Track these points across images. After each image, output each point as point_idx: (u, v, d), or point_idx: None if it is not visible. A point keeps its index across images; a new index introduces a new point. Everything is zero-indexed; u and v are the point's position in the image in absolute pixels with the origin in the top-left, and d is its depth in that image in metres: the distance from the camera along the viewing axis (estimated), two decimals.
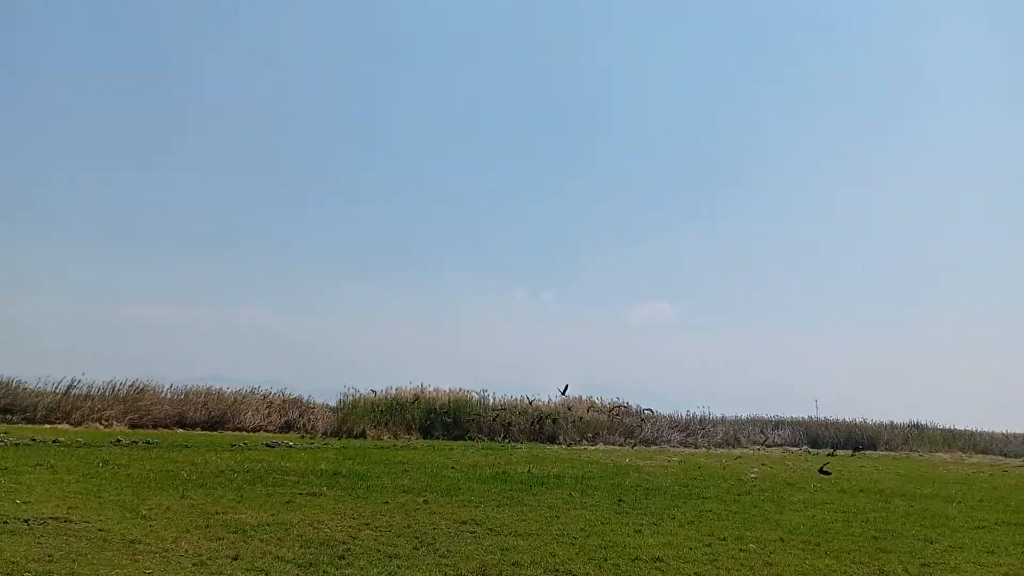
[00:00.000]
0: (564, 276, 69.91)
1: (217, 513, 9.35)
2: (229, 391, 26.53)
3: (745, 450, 29.60)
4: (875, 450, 32.95)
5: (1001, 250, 68.18)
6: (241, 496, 10.78)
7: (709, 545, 8.84)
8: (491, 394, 29.93)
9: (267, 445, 19.20)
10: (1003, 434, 39.04)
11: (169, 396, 25.47)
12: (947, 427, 37.65)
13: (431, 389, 29.04)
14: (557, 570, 7.23)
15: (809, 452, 30.24)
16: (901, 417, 37.70)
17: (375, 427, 25.82)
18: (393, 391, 28.52)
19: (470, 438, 26.74)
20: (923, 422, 37.58)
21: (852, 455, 29.68)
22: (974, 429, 38.46)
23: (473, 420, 27.93)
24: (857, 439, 34.10)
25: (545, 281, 71.09)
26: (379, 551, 7.74)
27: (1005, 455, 34.08)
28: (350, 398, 27.88)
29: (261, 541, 7.92)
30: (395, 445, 22.40)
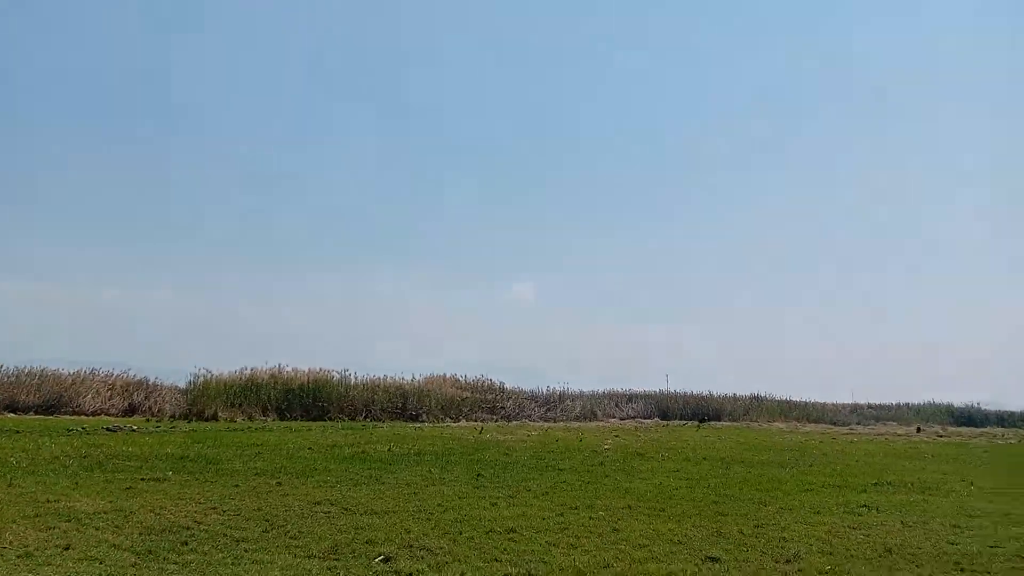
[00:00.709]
0: (436, 255, 69.79)
1: (48, 501, 8.72)
2: (67, 373, 24.77)
3: (601, 423, 30.71)
4: (719, 421, 35.01)
5: (833, 237, 73.93)
6: (76, 483, 10.11)
7: (561, 515, 9.11)
8: (353, 374, 29.49)
9: (108, 429, 18.09)
10: (832, 405, 42.56)
11: None
12: (784, 399, 40.58)
13: (289, 369, 28.25)
14: (411, 546, 7.23)
15: (661, 424, 31.76)
16: (743, 390, 40.33)
17: (228, 409, 24.86)
18: (248, 372, 27.52)
19: (330, 418, 26.26)
20: (762, 394, 40.35)
21: (698, 426, 31.42)
22: (807, 400, 41.70)
23: (334, 400, 27.43)
24: (703, 411, 36.13)
25: (417, 262, 70.69)
26: (226, 536, 7.47)
27: (834, 424, 37.11)
28: (201, 379, 26.67)
29: (96, 529, 7.46)
30: (249, 427, 21.65)
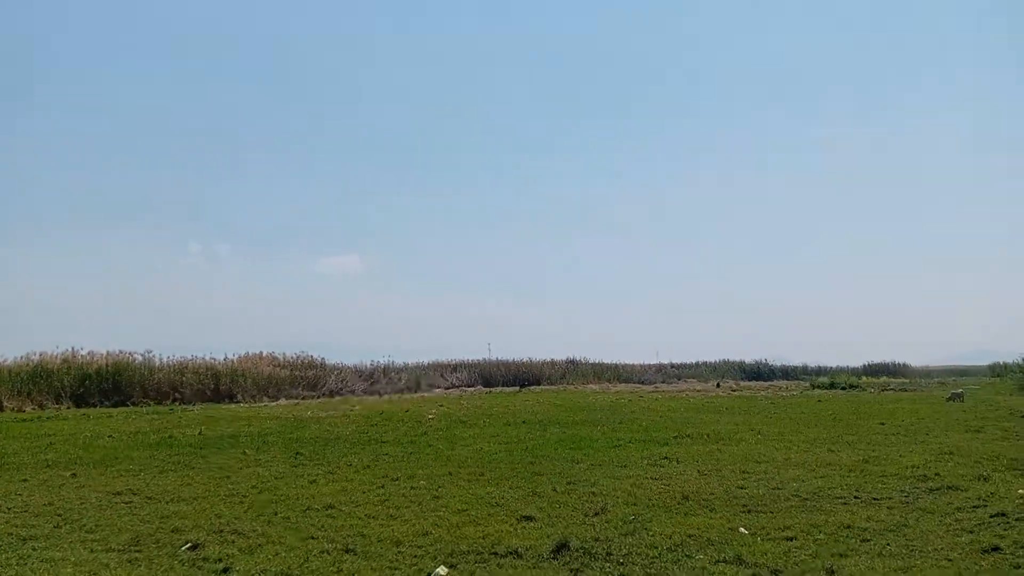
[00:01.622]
0: (243, 229, 66.04)
1: None
2: None
3: (426, 393, 30.90)
4: (539, 385, 36.31)
5: (633, 200, 77.90)
6: None
7: (382, 487, 9.10)
8: (159, 355, 27.67)
9: None
10: (640, 365, 45.37)
11: None
12: (597, 362, 42.71)
13: (85, 352, 26.05)
14: (222, 531, 6.94)
15: (484, 391, 32.43)
16: (560, 355, 42.00)
17: (15, 398, 22.58)
18: (37, 356, 25.08)
19: (134, 404, 24.56)
20: (578, 359, 42.23)
21: (518, 391, 32.42)
22: (618, 363, 44.16)
23: (137, 384, 25.65)
24: (524, 377, 37.30)
25: (221, 234, 66.59)
26: (11, 535, 6.84)
27: (642, 383, 39.57)
28: None
29: None
30: (40, 417, 19.79)
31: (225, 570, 5.78)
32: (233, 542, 6.56)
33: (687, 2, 79.08)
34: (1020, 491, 8.23)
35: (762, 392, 31.29)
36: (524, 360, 39.47)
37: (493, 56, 75.81)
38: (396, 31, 71.56)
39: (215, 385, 27.05)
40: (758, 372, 49.12)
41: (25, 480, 9.68)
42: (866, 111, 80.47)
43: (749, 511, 7.73)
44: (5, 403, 22.21)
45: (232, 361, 28.98)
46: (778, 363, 51.86)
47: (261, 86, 68.59)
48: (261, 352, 31.13)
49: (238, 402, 26.01)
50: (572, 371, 40.09)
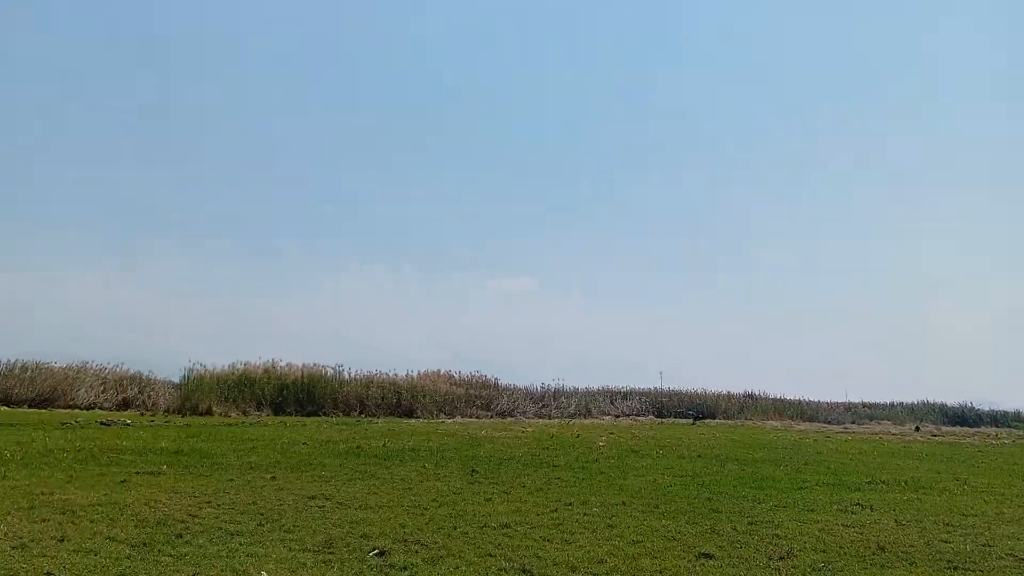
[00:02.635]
0: (425, 251, 69.22)
1: (42, 494, 8.71)
2: (59, 366, 24.72)
3: (596, 420, 30.76)
4: (714, 419, 35.09)
5: (822, 233, 73.74)
6: (71, 476, 10.10)
7: (555, 510, 9.12)
8: (347, 369, 29.48)
9: (102, 423, 18.05)
10: (827, 403, 42.67)
11: None
12: (778, 397, 40.66)
13: (283, 364, 28.23)
14: (406, 540, 7.23)
15: (656, 421, 31.81)
16: (737, 388, 40.40)
17: (222, 404, 24.83)
18: (242, 366, 27.48)
19: (324, 414, 26.26)
20: (756, 392, 40.43)
21: (693, 423, 31.49)
22: (801, 399, 41.78)
23: (328, 396, 27.43)
24: (698, 409, 36.20)
25: (406, 256, 70.15)
26: (221, 529, 7.47)
27: (828, 423, 37.20)
28: (195, 373, 26.65)
29: (91, 522, 7.45)
30: (244, 422, 21.64)
31: None
32: (416, 552, 6.82)
33: None
34: None
35: (968, 439, 28.46)
36: (698, 391, 38.37)
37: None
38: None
39: (397, 400, 28.39)
40: (962, 417, 44.64)
41: (231, 480, 10.56)
42: None
43: (955, 568, 7.04)
44: (214, 408, 24.46)
45: (412, 378, 30.36)
46: (986, 407, 46.89)
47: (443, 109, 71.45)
48: (439, 370, 32.39)
49: (417, 417, 27.13)
50: (750, 405, 38.44)
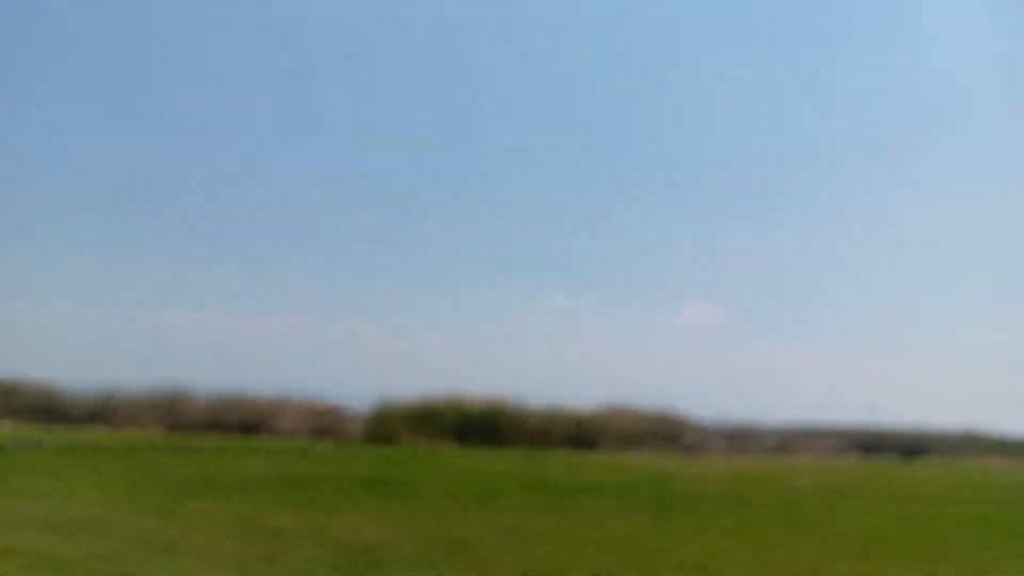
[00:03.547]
0: (604, 279, 68.77)
1: (255, 518, 9.29)
2: (263, 397, 26.79)
3: (793, 457, 28.96)
4: (927, 455, 31.98)
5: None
6: (279, 502, 10.73)
7: (755, 552, 8.52)
8: (530, 401, 29.70)
9: (302, 451, 19.24)
10: None
11: (204, 403, 25.83)
12: (1004, 433, 36.43)
13: (467, 395, 28.91)
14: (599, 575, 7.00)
15: (861, 459, 29.49)
16: (954, 422, 36.61)
17: (410, 433, 25.75)
18: (428, 397, 28.44)
19: (507, 445, 26.54)
20: (977, 428, 36.45)
21: (905, 462, 28.85)
22: None
23: (511, 427, 27.73)
24: (908, 446, 33.14)
25: (584, 284, 70.12)
26: (416, 557, 7.58)
27: None
28: (385, 404, 27.89)
29: (298, 547, 7.82)
30: (431, 452, 22.30)
31: None
32: None
33: None
34: None
35: None
36: (911, 427, 35.16)
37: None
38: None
39: (579, 433, 28.19)
40: None
41: (424, 509, 10.78)
42: None
43: None
44: (403, 437, 25.41)
45: (596, 411, 30.07)
46: None
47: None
48: (622, 404, 31.88)
49: (600, 451, 26.77)
50: (969, 443, 34.67)
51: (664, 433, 29.43)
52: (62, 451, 15.83)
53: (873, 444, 33.12)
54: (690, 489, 14.65)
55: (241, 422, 25.13)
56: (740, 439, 30.91)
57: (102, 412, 23.15)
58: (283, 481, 12.89)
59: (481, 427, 27.47)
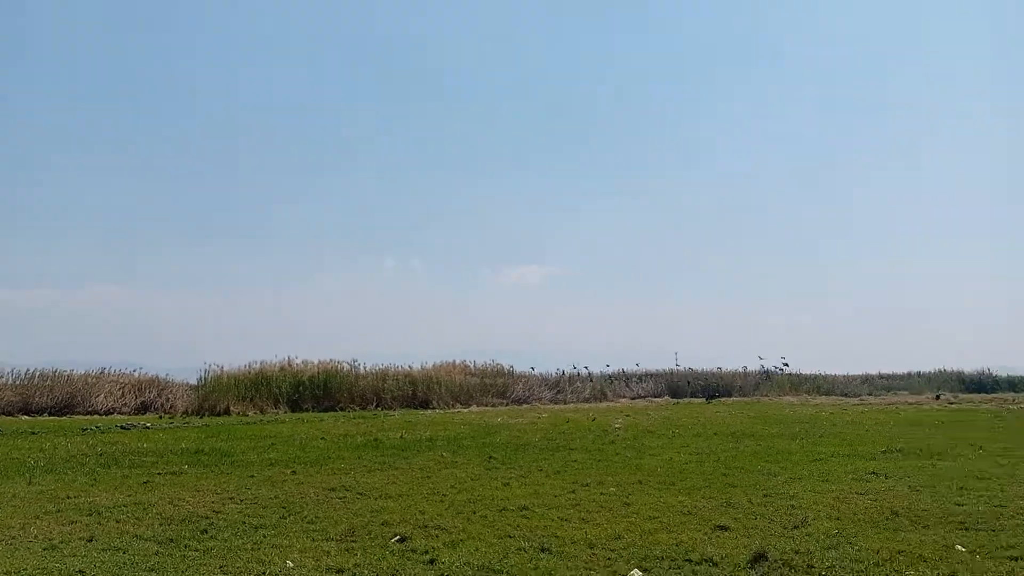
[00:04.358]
0: (432, 244, 69.32)
1: (68, 497, 8.90)
2: (78, 373, 25.04)
3: (611, 403, 30.87)
4: (729, 396, 35.12)
5: (832, 204, 73.13)
6: (95, 479, 10.29)
7: (573, 491, 9.24)
8: (362, 364, 29.67)
9: (122, 427, 18.30)
10: (843, 376, 42.55)
11: (11, 382, 23.80)
12: (794, 372, 40.56)
13: (299, 361, 28.44)
14: (426, 526, 7.37)
15: (671, 401, 31.89)
16: (752, 365, 40.30)
17: (240, 403, 25.06)
18: (258, 365, 27.71)
19: (341, 408, 26.46)
20: (772, 369, 40.33)
21: (707, 402, 31.54)
22: (818, 373, 41.69)
23: (344, 390, 27.63)
24: (713, 387, 36.21)
25: (414, 249, 70.18)
26: (244, 523, 7.62)
27: (845, 395, 37.13)
28: (212, 375, 26.90)
29: (117, 522, 7.62)
30: (261, 420, 21.87)
31: (431, 561, 6.14)
32: (437, 536, 6.95)
33: None
34: None
35: (985, 405, 28.40)
36: (713, 370, 38.34)
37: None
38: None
39: (412, 392, 28.56)
40: (980, 383, 44.36)
41: (252, 476, 10.72)
42: None
43: (967, 529, 7.12)
44: (232, 407, 24.69)
45: (427, 369, 30.53)
46: (1003, 373, 46.59)
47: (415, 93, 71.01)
48: (454, 361, 32.53)
49: (433, 408, 27.31)
50: (766, 382, 38.40)
51: (494, 387, 30.43)
52: None
53: (680, 387, 35.93)
54: (516, 438, 15.41)
55: (53, 401, 23.39)
56: (563, 388, 32.54)
57: None
58: (100, 458, 12.29)
59: (313, 392, 27.16)
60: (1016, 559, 5.98)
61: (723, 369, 38.70)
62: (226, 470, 11.26)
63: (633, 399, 33.21)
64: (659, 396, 34.62)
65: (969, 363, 46.77)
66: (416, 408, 27.24)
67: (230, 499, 8.90)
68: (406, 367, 30.24)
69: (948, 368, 45.55)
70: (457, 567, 5.98)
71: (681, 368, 38.13)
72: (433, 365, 31.16)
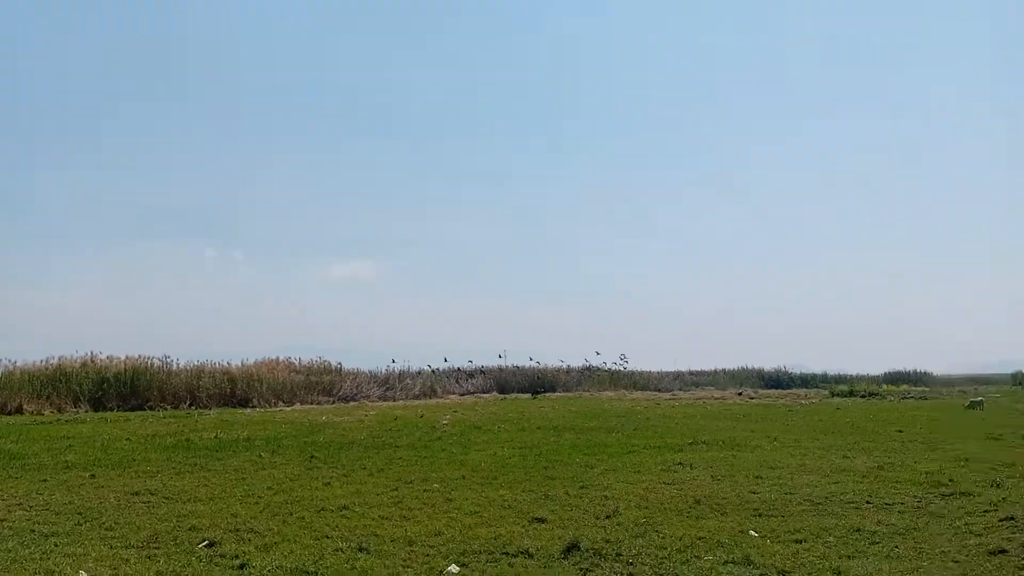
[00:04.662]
0: (256, 235, 66.28)
1: None
2: None
3: (441, 399, 30.98)
4: (554, 392, 36.28)
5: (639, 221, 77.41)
6: None
7: (396, 489, 9.18)
8: (175, 360, 27.92)
9: None
10: (657, 373, 45.21)
11: None
12: (613, 369, 42.56)
13: (103, 357, 26.31)
14: (238, 529, 7.05)
15: (499, 397, 32.47)
16: (576, 362, 41.90)
17: (34, 401, 22.86)
18: (56, 360, 25.37)
19: (151, 408, 24.78)
20: (594, 365, 42.13)
21: (533, 397, 32.42)
22: (635, 369, 44.00)
23: (155, 388, 25.89)
24: (539, 383, 37.27)
25: (235, 241, 66.86)
26: (34, 531, 6.97)
27: (659, 391, 39.44)
28: (2, 370, 24.35)
29: None
30: (59, 420, 20.05)
31: (241, 566, 5.87)
32: (249, 540, 6.67)
33: None
34: None
35: (781, 400, 31.12)
36: (539, 367, 39.44)
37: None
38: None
39: (231, 390, 27.25)
40: (777, 380, 48.71)
41: (45, 480, 9.82)
42: (889, 106, 78.87)
43: (760, 515, 7.75)
44: (25, 406, 22.49)
45: (248, 366, 29.19)
46: (797, 371, 51.44)
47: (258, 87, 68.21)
48: (277, 357, 31.33)
49: (254, 407, 26.19)
50: (588, 378, 40.02)
51: (319, 384, 29.66)
52: None
53: (508, 383, 36.72)
54: (340, 437, 15.09)
55: None
56: (392, 385, 32.29)
57: None
58: None
59: (119, 390, 25.26)
60: (800, 542, 6.58)
61: (548, 366, 39.93)
62: (15, 474, 10.24)
63: (463, 395, 33.51)
64: (488, 392, 35.17)
65: (769, 361, 51.22)
66: (235, 407, 25.99)
67: (18, 505, 8.12)
68: (224, 363, 28.77)
69: (750, 366, 49.72)
70: (269, 571, 5.76)
71: (508, 365, 38.94)
72: (255, 362, 29.86)
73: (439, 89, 71.32)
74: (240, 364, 29.07)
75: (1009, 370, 52.48)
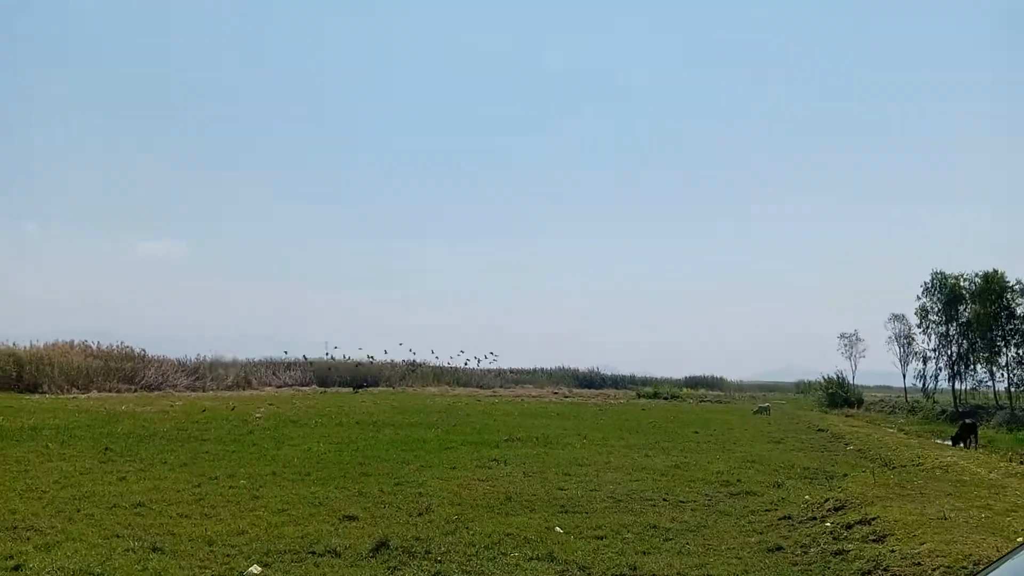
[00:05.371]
0: (55, 206, 60.53)
1: None
2: None
3: (256, 391, 29.76)
4: (378, 386, 35.91)
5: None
6: None
7: (199, 486, 8.73)
8: None
9: None
10: (480, 370, 45.96)
11: None
12: (438, 365, 42.81)
13: None
14: (16, 527, 6.43)
15: (319, 391, 31.66)
16: (401, 357, 41.70)
17: None
18: None
19: None
20: (419, 361, 42.15)
21: (355, 392, 31.92)
22: (459, 366, 44.47)
23: None
24: (362, 377, 36.75)
25: (26, 210, 60.74)
26: None
27: (481, 387, 40.07)
28: None
29: None
30: None
31: (16, 567, 5.37)
32: (28, 539, 6.11)
33: None
34: (806, 497, 9.11)
35: (593, 399, 32.59)
36: (363, 360, 38.88)
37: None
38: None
39: (17, 373, 24.74)
40: (590, 380, 51.07)
41: None
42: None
43: (566, 511, 8.08)
44: None
45: (38, 349, 26.59)
46: (609, 372, 54.22)
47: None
48: (72, 340, 28.75)
49: (43, 393, 23.92)
50: (412, 373, 39.93)
51: (120, 371, 27.60)
52: None
53: (329, 376, 35.95)
54: (141, 428, 14.13)
55: None
56: (203, 375, 30.62)
57: None
58: None
59: None
60: (601, 538, 6.92)
61: (373, 360, 39.48)
62: None
63: (280, 388, 32.38)
64: (307, 385, 34.22)
65: (583, 362, 53.70)
66: (21, 392, 23.65)
67: None
68: (9, 345, 26.03)
69: (566, 365, 51.81)
70: (48, 572, 5.30)
71: (331, 358, 38.11)
72: (45, 344, 27.22)
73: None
74: (28, 346, 26.42)
75: (793, 378, 58.19)
